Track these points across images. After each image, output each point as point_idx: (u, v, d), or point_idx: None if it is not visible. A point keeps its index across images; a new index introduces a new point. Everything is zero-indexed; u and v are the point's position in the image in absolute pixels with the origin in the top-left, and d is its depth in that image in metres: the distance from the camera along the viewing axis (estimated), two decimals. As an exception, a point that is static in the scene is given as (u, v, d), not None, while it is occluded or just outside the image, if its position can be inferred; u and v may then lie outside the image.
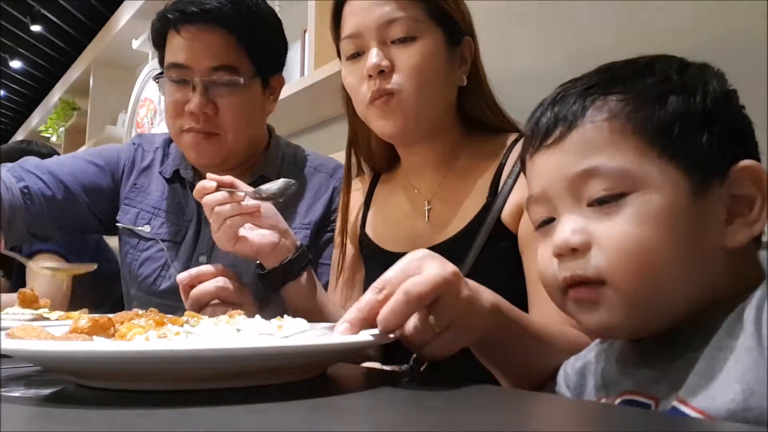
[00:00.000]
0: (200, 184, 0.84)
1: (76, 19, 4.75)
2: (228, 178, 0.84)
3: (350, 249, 1.00)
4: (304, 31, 2.13)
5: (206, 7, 1.06)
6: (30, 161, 1.19)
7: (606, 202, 0.51)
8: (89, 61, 4.40)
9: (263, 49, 1.12)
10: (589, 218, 0.52)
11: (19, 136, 6.51)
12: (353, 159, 1.01)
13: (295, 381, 0.54)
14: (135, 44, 3.40)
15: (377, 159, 1.01)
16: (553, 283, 0.55)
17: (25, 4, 4.52)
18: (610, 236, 0.50)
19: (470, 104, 0.90)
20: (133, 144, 1.28)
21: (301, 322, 0.63)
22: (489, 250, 0.81)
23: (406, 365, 0.74)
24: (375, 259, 0.94)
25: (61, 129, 4.99)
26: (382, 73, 0.82)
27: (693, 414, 0.44)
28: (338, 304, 0.98)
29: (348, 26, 0.87)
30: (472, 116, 0.92)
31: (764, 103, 0.92)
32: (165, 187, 1.22)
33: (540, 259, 0.57)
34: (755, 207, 0.48)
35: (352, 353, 0.62)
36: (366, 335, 0.58)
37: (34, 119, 6.03)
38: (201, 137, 1.10)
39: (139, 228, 1.18)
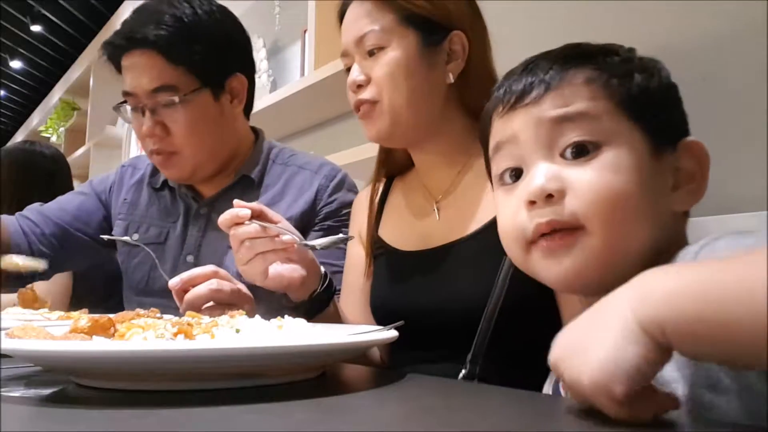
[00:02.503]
0: (231, 212, 0.80)
1: (76, 19, 4.75)
2: (257, 207, 0.81)
3: (361, 257, 0.99)
4: (304, 31, 2.13)
5: (135, 36, 1.10)
6: (27, 208, 1.31)
7: (579, 154, 0.54)
8: (89, 61, 4.40)
9: (205, 59, 1.13)
10: (562, 167, 0.54)
11: (19, 136, 6.52)
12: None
13: (295, 381, 0.54)
14: (135, 44, 3.40)
15: (396, 159, 1.02)
16: (518, 236, 0.56)
17: (25, 4, 4.52)
18: (586, 182, 0.53)
19: (472, 97, 0.89)
20: (123, 166, 1.38)
21: (301, 322, 0.63)
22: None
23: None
24: (386, 259, 0.94)
25: (61, 129, 5.00)
26: (360, 87, 0.87)
27: None
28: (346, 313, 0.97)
29: (342, 44, 0.91)
30: (475, 110, 0.92)
31: (765, 103, 0.92)
32: (153, 196, 1.29)
33: (503, 214, 0.59)
34: (696, 179, 0.55)
35: (352, 353, 0.62)
36: (366, 335, 0.59)
37: (34, 119, 6.03)
38: (162, 158, 1.15)
39: (125, 237, 1.23)
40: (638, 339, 0.36)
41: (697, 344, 0.35)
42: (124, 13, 3.61)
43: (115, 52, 1.14)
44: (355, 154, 1.65)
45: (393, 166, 1.02)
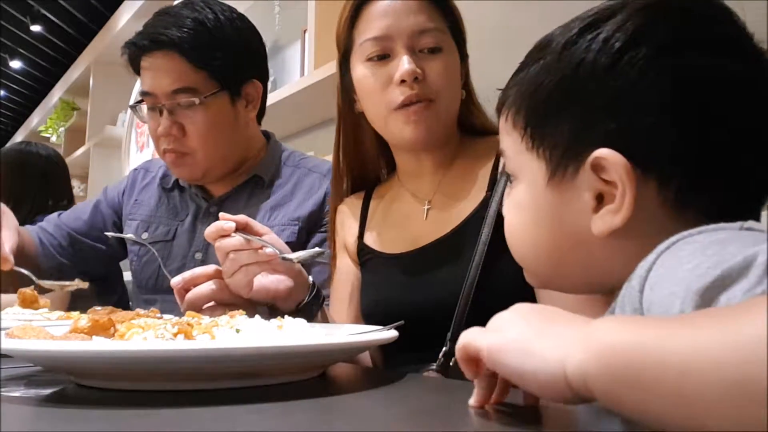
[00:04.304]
0: (216, 225, 0.81)
1: (76, 19, 4.76)
2: (242, 219, 0.82)
3: (349, 266, 1.00)
4: (304, 31, 2.13)
5: (158, 37, 1.12)
6: (47, 218, 1.38)
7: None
8: (89, 61, 4.40)
9: (225, 64, 1.15)
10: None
11: (19, 136, 6.52)
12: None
13: (295, 381, 0.54)
14: (135, 44, 3.40)
15: (372, 168, 1.01)
16: None
17: (25, 4, 4.52)
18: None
19: (463, 112, 0.93)
20: (135, 170, 1.42)
21: (301, 322, 0.63)
22: (495, 243, 0.81)
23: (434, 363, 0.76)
24: (374, 264, 0.94)
25: (61, 129, 5.00)
26: (416, 79, 0.84)
27: None
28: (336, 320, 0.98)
29: (375, 28, 0.86)
30: (466, 122, 0.95)
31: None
32: (162, 196, 1.31)
33: None
34: (617, 196, 0.45)
35: (352, 353, 0.62)
36: (366, 335, 0.59)
37: (34, 119, 6.03)
38: (175, 157, 1.17)
39: (129, 235, 1.25)
40: (560, 381, 0.35)
41: (619, 406, 0.33)
42: (124, 13, 3.61)
43: (137, 52, 1.15)
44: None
45: (364, 176, 1.02)
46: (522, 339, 0.39)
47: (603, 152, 0.45)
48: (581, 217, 0.47)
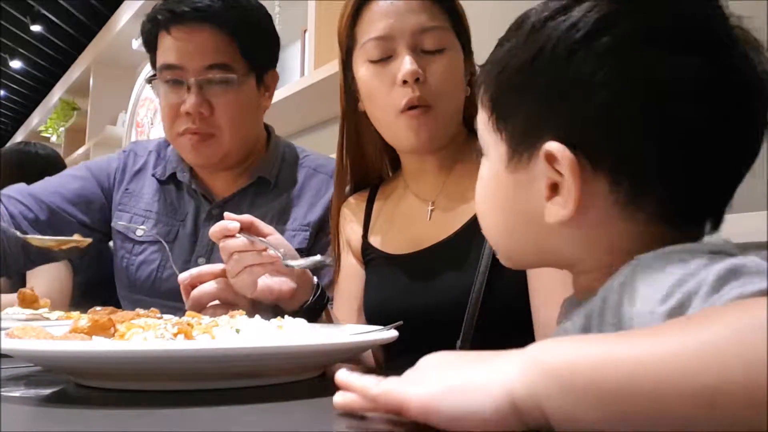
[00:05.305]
0: (221, 225, 0.80)
1: (76, 19, 4.75)
2: (247, 219, 0.81)
3: (353, 265, 0.99)
4: (304, 31, 2.13)
5: (197, 5, 1.06)
6: (12, 188, 1.18)
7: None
8: (89, 61, 4.40)
9: (256, 45, 1.11)
10: None
11: (19, 136, 6.52)
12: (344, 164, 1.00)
13: (295, 381, 0.54)
14: (135, 44, 3.41)
15: (375, 167, 1.00)
16: None
17: (25, 4, 4.52)
18: None
19: (469, 110, 0.91)
20: (125, 151, 1.29)
21: (301, 322, 0.63)
22: None
23: None
24: (377, 264, 0.94)
25: (61, 129, 5.00)
26: (417, 81, 0.82)
27: None
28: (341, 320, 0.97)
29: (377, 28, 0.84)
30: (472, 120, 0.93)
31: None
32: (158, 189, 1.21)
33: None
34: (562, 190, 0.45)
35: (352, 353, 0.62)
36: (366, 335, 0.59)
37: (34, 119, 6.03)
38: (198, 138, 1.09)
39: (141, 227, 1.17)
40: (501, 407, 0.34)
41: (579, 423, 0.32)
42: (124, 13, 3.61)
43: (172, 19, 1.06)
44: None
45: (367, 175, 1.01)
46: (455, 381, 0.36)
47: (552, 146, 0.44)
48: (535, 202, 0.47)
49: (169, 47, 1.08)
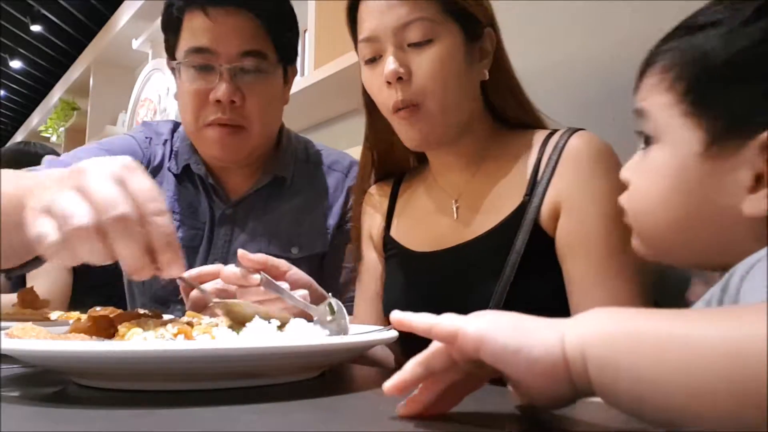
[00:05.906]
0: (239, 274, 0.74)
1: (76, 19, 4.75)
2: (261, 259, 0.76)
3: (374, 259, 0.97)
4: (304, 31, 2.13)
5: None
6: (46, 161, 1.10)
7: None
8: (89, 61, 4.40)
9: (285, 37, 1.06)
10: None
11: (19, 136, 6.52)
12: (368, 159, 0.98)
13: (295, 381, 0.54)
14: (135, 44, 3.40)
15: (401, 159, 0.98)
16: None
17: (25, 4, 4.52)
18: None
19: (494, 97, 0.87)
20: (146, 138, 1.16)
21: (301, 322, 0.63)
22: (529, 255, 0.78)
23: None
24: (399, 260, 0.92)
25: (61, 129, 5.00)
26: (401, 80, 0.79)
27: None
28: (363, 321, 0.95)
29: (364, 29, 0.83)
30: (499, 110, 0.89)
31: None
32: (176, 185, 1.12)
33: None
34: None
35: (353, 353, 0.62)
36: (366, 335, 0.58)
37: (34, 119, 6.03)
38: (227, 131, 1.01)
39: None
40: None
41: (614, 382, 0.33)
42: (124, 13, 3.60)
43: (206, 1, 0.99)
44: (356, 153, 1.65)
45: (392, 167, 0.99)
46: (514, 320, 0.38)
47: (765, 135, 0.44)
48: (731, 193, 0.46)
49: (200, 28, 0.99)
